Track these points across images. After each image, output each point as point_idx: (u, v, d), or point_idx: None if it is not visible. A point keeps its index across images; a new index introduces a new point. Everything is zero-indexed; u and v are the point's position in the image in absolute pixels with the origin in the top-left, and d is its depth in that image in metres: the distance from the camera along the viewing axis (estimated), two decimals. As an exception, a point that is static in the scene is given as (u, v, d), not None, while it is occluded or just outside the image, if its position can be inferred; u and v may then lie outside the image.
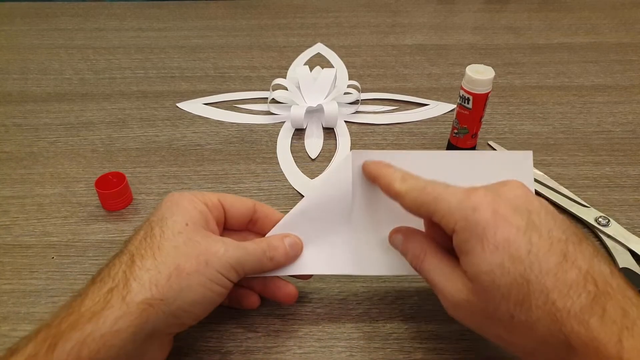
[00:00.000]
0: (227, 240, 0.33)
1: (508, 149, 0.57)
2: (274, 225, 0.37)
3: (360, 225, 0.37)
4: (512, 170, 0.35)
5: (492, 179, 0.31)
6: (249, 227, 0.38)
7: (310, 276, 0.39)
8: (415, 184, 0.32)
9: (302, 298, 0.40)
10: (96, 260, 0.44)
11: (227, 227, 0.38)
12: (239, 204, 0.37)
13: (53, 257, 0.44)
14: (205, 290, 0.31)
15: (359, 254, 0.37)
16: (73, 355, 0.27)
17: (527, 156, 0.36)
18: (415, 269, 0.33)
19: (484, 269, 0.27)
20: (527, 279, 0.26)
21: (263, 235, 0.38)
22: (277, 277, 0.37)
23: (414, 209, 0.32)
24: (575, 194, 0.50)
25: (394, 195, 0.33)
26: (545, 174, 0.53)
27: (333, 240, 0.37)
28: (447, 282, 0.30)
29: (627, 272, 0.31)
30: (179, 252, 0.31)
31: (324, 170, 0.54)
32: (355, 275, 0.41)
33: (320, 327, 0.38)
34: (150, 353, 0.31)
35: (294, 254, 0.36)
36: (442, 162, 0.36)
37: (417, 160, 0.35)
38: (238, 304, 0.38)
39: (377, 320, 0.39)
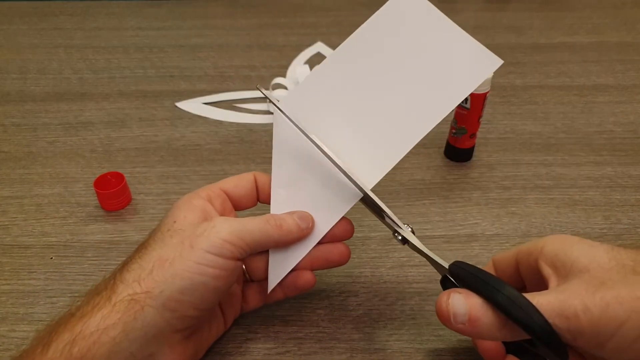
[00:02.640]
0: (221, 218, 0.32)
1: (509, 149, 0.57)
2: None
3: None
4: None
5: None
6: (261, 199, 0.38)
7: (312, 284, 0.37)
8: None
9: (302, 299, 0.40)
10: (95, 260, 0.44)
11: (239, 207, 0.37)
12: (239, 181, 0.36)
13: (52, 258, 0.44)
14: (193, 275, 0.29)
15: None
16: (65, 353, 0.27)
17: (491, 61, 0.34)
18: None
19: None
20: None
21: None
22: (325, 242, 0.36)
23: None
24: (576, 194, 0.50)
25: None
26: (547, 173, 0.53)
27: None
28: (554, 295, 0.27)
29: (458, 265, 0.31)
30: (162, 245, 0.30)
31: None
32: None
33: (320, 328, 0.38)
34: (161, 356, 0.30)
35: (306, 225, 0.35)
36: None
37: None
38: (294, 289, 0.36)
39: (377, 322, 0.39)
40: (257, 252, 0.35)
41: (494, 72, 0.49)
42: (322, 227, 0.35)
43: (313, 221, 0.35)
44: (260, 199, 0.38)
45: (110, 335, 0.28)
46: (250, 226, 0.32)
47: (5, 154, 0.56)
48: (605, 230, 0.47)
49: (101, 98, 0.66)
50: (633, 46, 0.78)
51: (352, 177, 0.34)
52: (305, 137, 0.36)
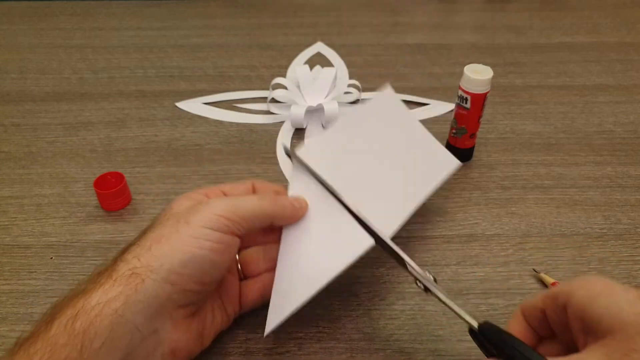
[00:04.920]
0: (216, 197, 0.34)
1: (509, 149, 0.57)
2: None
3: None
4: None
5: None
6: None
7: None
8: None
9: (302, 299, 0.40)
10: (95, 260, 0.44)
11: None
12: (237, 186, 0.37)
13: (52, 258, 0.44)
14: (192, 249, 0.30)
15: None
16: (68, 328, 0.27)
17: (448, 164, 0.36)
18: None
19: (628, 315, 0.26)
20: None
21: None
22: None
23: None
24: (576, 194, 0.50)
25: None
26: (547, 173, 0.53)
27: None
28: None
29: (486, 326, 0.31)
30: (159, 226, 0.32)
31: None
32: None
33: (320, 328, 0.38)
34: (165, 332, 0.31)
35: (299, 205, 0.36)
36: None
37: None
38: None
39: (377, 322, 0.39)
40: (251, 246, 0.36)
41: (494, 72, 0.49)
42: (330, 269, 0.35)
43: (306, 204, 0.36)
44: None
45: (112, 308, 0.28)
46: (244, 202, 0.33)
47: (5, 154, 0.56)
48: (605, 230, 0.47)
49: (101, 98, 0.66)
50: (633, 46, 0.78)
51: (371, 224, 0.35)
52: (321, 187, 0.37)
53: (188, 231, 0.30)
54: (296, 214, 0.36)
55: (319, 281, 0.34)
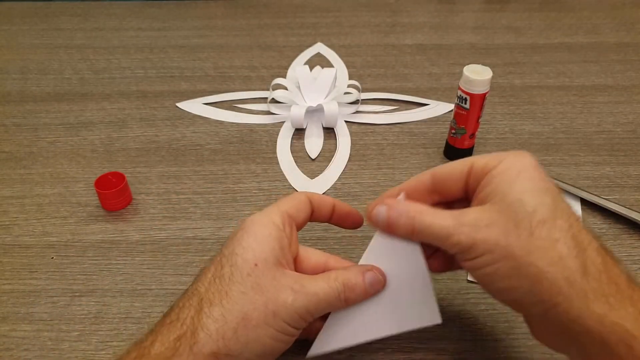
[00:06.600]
0: (297, 285, 0.31)
1: (508, 149, 0.56)
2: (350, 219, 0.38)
3: None
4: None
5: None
6: (312, 219, 0.37)
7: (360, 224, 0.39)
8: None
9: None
10: (96, 260, 0.44)
11: (299, 229, 0.36)
12: (299, 205, 0.35)
13: (52, 257, 0.44)
14: (272, 342, 0.30)
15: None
16: None
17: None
18: (413, 230, 0.31)
19: (516, 189, 0.28)
20: (555, 206, 0.28)
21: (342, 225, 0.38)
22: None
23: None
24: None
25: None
26: (546, 173, 0.53)
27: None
28: (462, 214, 0.29)
29: None
30: (246, 300, 0.30)
31: (324, 170, 0.54)
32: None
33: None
34: None
35: (374, 292, 0.33)
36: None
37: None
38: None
39: (377, 321, 0.39)
40: None
41: (494, 73, 0.49)
42: (388, 327, 0.34)
43: (382, 287, 0.34)
44: (311, 219, 0.37)
45: None
46: (322, 304, 0.32)
47: (6, 154, 0.56)
48: (604, 230, 0.47)
49: (102, 98, 0.66)
50: (632, 46, 0.78)
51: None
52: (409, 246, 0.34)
53: (274, 324, 0.30)
54: (366, 296, 0.33)
55: (373, 334, 0.34)
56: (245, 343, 0.29)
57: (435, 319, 0.33)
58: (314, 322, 0.33)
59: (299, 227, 0.36)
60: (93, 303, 0.40)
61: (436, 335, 0.38)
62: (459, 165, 0.32)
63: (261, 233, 0.32)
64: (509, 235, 0.27)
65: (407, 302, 0.34)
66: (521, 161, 0.30)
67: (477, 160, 0.31)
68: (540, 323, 0.30)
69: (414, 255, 0.33)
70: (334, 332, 0.34)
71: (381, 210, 0.32)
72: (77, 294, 0.41)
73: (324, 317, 0.34)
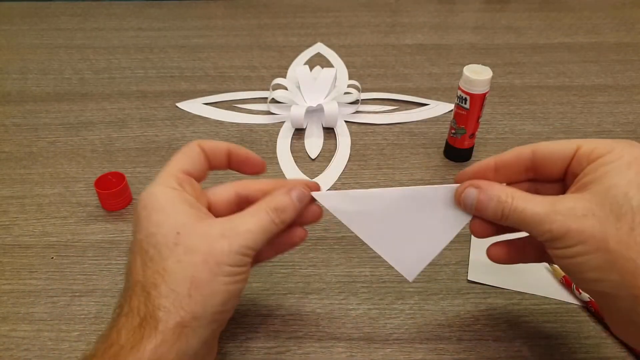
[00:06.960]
0: (227, 230, 0.31)
1: (508, 149, 0.57)
2: (252, 167, 0.37)
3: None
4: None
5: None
6: (211, 167, 0.36)
7: (319, 217, 0.36)
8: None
9: (302, 298, 0.40)
10: (95, 260, 0.44)
11: (200, 181, 0.35)
12: (192, 157, 0.35)
13: (52, 257, 0.44)
14: (228, 287, 0.30)
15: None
16: None
17: None
18: (502, 214, 0.30)
19: (623, 182, 0.28)
20: None
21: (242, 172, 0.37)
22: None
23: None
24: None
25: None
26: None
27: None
28: (557, 201, 0.28)
29: None
30: (185, 266, 0.30)
31: (324, 170, 0.54)
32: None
33: (320, 327, 0.38)
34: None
35: (303, 205, 0.34)
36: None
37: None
38: (289, 245, 0.36)
39: (377, 321, 0.39)
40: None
41: (494, 73, 0.49)
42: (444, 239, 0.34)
43: (308, 198, 0.34)
44: (210, 167, 0.36)
45: None
46: (258, 235, 0.32)
47: (6, 154, 0.56)
48: (604, 230, 0.47)
49: (102, 98, 0.66)
50: (632, 46, 0.78)
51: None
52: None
53: (221, 272, 0.30)
54: (298, 211, 0.34)
55: (368, 239, 0.34)
56: (203, 302, 0.29)
57: (411, 275, 0.34)
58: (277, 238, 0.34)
59: (200, 179, 0.35)
60: (93, 303, 0.40)
61: (436, 335, 0.38)
62: (564, 146, 0.31)
63: (165, 203, 0.31)
64: (607, 227, 0.27)
65: (411, 244, 0.34)
66: (632, 152, 0.29)
67: (584, 144, 0.30)
68: (624, 317, 0.29)
69: (454, 224, 0.33)
70: (346, 204, 0.34)
71: (471, 193, 0.32)
72: (77, 294, 0.41)
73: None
